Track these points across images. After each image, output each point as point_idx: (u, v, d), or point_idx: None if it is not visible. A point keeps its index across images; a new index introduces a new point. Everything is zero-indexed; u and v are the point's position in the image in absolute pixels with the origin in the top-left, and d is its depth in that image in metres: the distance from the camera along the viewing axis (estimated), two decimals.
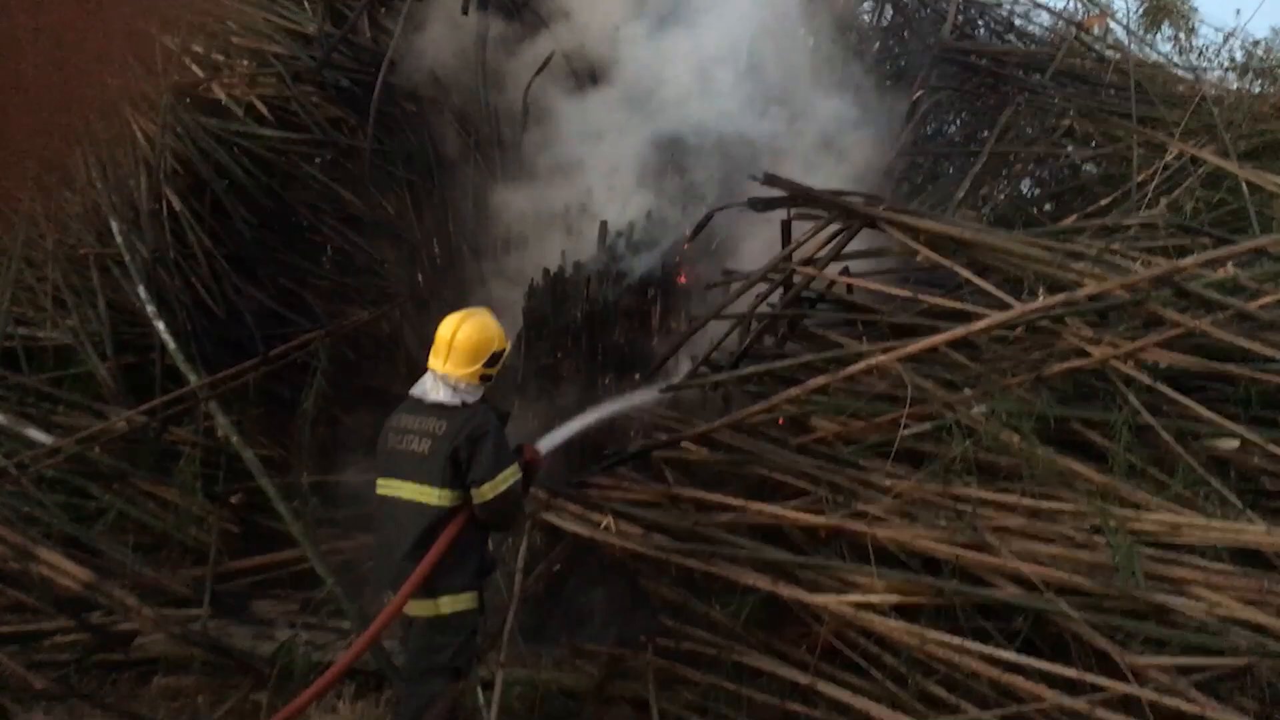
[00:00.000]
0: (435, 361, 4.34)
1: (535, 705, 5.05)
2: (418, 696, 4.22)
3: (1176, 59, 12.66)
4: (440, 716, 4.16)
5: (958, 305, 5.38)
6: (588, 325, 6.45)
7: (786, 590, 4.80)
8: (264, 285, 7.56)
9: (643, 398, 5.76)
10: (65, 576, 5.47)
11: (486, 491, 4.20)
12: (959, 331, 5.10)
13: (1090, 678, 4.05)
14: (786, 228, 5.93)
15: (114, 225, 7.29)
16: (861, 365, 5.15)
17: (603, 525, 5.40)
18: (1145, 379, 5.01)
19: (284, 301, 7.58)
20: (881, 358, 5.13)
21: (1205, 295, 5.04)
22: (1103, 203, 8.82)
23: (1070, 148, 10.16)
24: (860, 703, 4.58)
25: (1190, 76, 11.86)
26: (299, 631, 5.50)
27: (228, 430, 6.23)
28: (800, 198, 5.74)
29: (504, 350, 4.42)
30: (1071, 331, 5.13)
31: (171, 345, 6.69)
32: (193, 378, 6.53)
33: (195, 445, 6.54)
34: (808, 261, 5.82)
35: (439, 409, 4.28)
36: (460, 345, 4.30)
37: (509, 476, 4.25)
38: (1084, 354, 5.08)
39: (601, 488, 5.58)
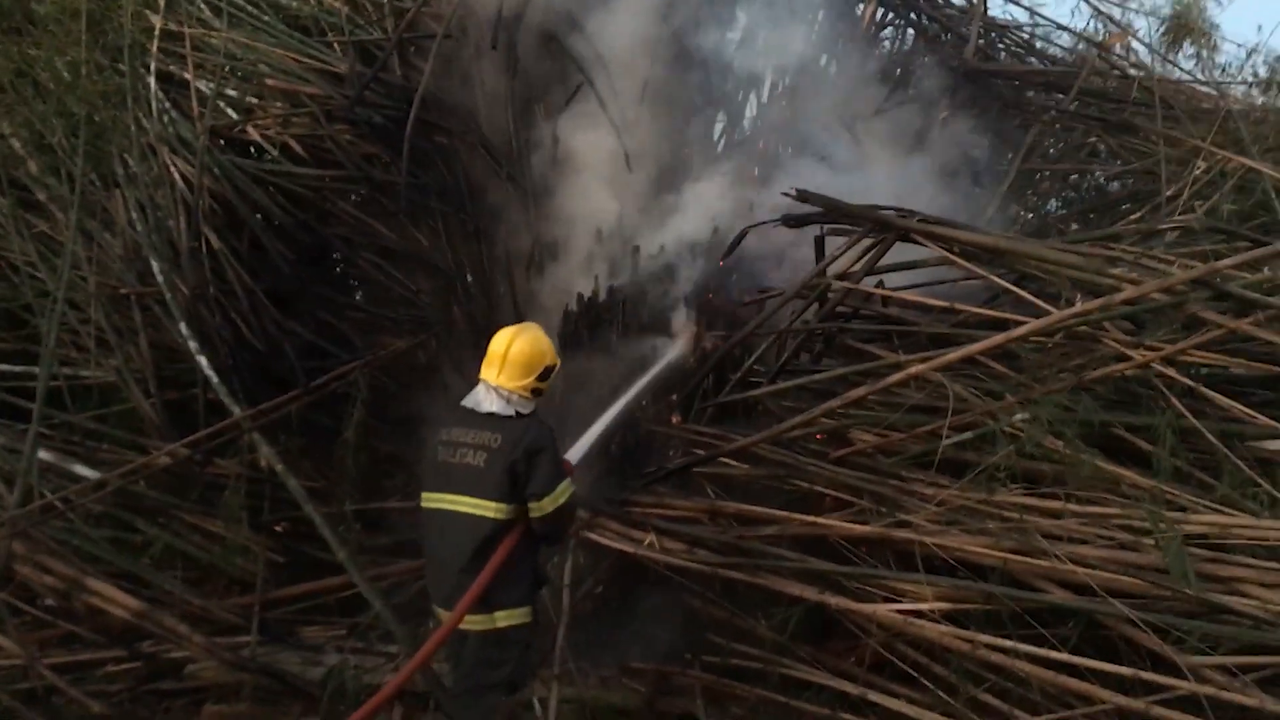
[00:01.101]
0: (489, 373, 4.38)
1: None
2: (473, 711, 4.22)
3: (1199, 75, 12.70)
4: None
5: (995, 315, 5.39)
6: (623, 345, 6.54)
7: (834, 600, 4.79)
8: (303, 319, 7.64)
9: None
10: (116, 606, 5.52)
11: (546, 505, 4.23)
12: (998, 339, 5.11)
13: (1147, 675, 4.02)
14: (820, 244, 5.96)
15: (154, 264, 7.40)
16: (900, 375, 5.17)
17: (645, 542, 5.43)
18: (1186, 381, 5.01)
19: (323, 334, 7.65)
20: (920, 367, 5.14)
21: (1244, 296, 5.02)
22: (1133, 217, 8.81)
23: (1096, 167, 10.22)
24: (912, 711, 4.56)
25: (1214, 92, 11.89)
26: (348, 656, 5.51)
27: (271, 459, 6.28)
28: (833, 212, 5.76)
29: (555, 365, 4.46)
30: (1111, 336, 5.13)
31: (214, 379, 6.77)
32: (235, 409, 6.59)
33: (239, 477, 6.58)
34: (842, 276, 5.85)
35: (492, 420, 4.31)
36: (515, 358, 4.35)
37: (567, 489, 4.28)
38: (1124, 359, 5.07)
39: (643, 506, 5.61)
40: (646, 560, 5.32)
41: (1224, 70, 12.89)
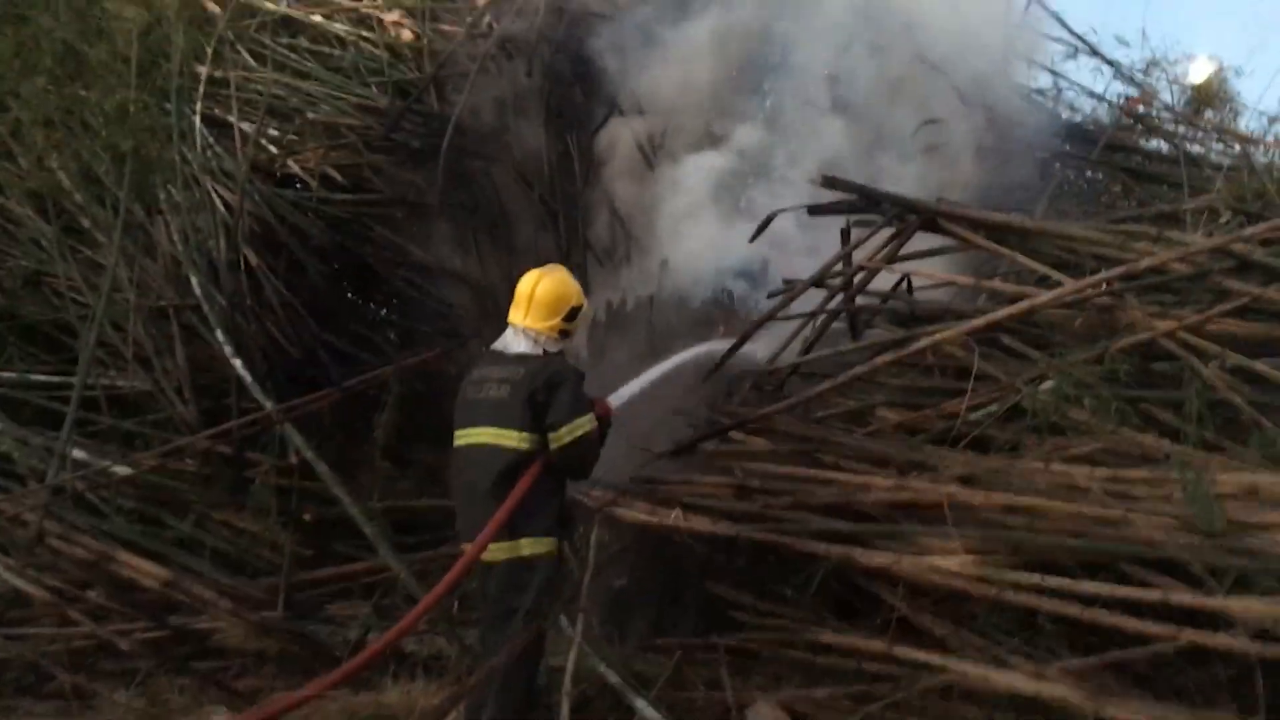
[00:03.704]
0: (516, 315, 4.47)
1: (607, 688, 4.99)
2: (499, 636, 4.20)
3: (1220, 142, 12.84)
4: (522, 654, 4.14)
5: (1020, 289, 5.43)
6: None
7: (861, 555, 4.75)
8: (338, 331, 7.79)
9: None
10: (144, 576, 5.55)
11: (564, 435, 4.27)
12: (1023, 306, 5.15)
13: (1176, 597, 3.95)
14: (846, 234, 6.05)
15: (193, 279, 7.60)
16: (926, 342, 5.20)
17: (673, 517, 5.41)
18: (1214, 348, 5.00)
19: (357, 345, 7.80)
20: (946, 333, 5.17)
21: (1269, 264, 5.05)
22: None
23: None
24: (939, 660, 4.48)
25: (1236, 151, 12.00)
26: (374, 621, 5.50)
27: (302, 448, 6.34)
28: (860, 199, 5.86)
29: (581, 305, 4.54)
30: (1134, 308, 5.15)
31: (248, 379, 6.88)
32: (268, 404, 6.69)
33: (269, 470, 6.65)
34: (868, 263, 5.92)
35: (520, 358, 4.39)
36: (541, 298, 4.44)
37: (585, 423, 4.32)
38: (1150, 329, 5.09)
39: (669, 484, 5.61)
40: (671, 530, 5.29)
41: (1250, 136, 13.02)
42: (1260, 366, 4.97)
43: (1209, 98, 13.55)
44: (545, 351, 4.42)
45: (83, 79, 8.87)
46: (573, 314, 4.50)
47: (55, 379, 7.57)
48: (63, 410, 6.81)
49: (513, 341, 4.47)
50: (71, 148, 8.53)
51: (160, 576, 5.55)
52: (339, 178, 8.44)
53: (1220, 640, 3.92)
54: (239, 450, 6.81)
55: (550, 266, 4.65)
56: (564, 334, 4.50)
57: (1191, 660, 4.23)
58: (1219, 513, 4.31)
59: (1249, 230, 5.11)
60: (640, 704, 4.64)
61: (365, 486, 6.82)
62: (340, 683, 3.94)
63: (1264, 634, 3.88)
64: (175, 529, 6.52)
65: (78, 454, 6.72)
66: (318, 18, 9.65)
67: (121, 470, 6.68)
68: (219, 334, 7.22)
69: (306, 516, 6.57)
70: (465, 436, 4.40)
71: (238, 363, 7.01)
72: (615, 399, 4.86)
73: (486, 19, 9.21)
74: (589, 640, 5.09)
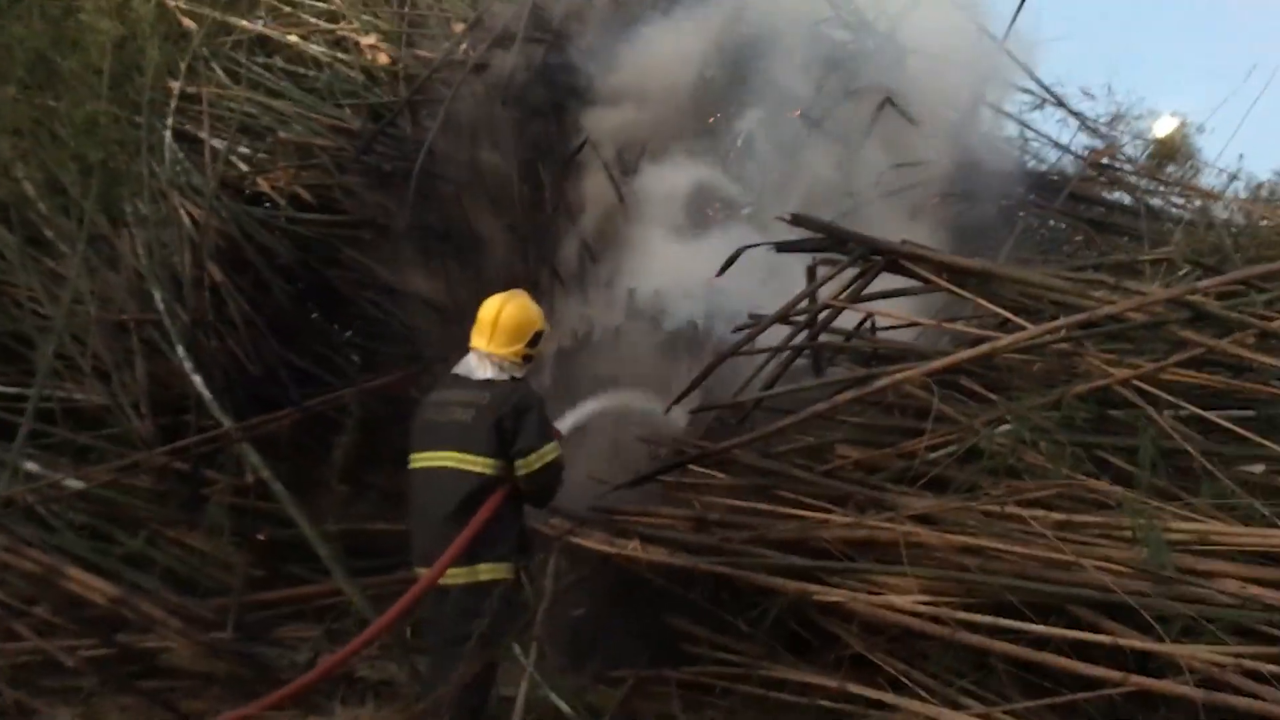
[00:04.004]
0: (479, 341, 4.49)
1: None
2: (451, 663, 4.18)
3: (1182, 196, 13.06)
4: (474, 680, 4.12)
5: (981, 333, 5.49)
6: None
7: (817, 591, 4.76)
8: (300, 351, 7.76)
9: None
10: (92, 592, 5.48)
11: (533, 462, 4.29)
12: (983, 349, 5.20)
13: (1125, 642, 3.99)
14: (812, 272, 6.10)
15: (156, 294, 7.53)
16: (887, 381, 5.25)
17: (630, 548, 5.41)
18: (1168, 398, 5.07)
19: (319, 366, 7.76)
20: (906, 374, 5.22)
21: (1223, 315, 5.13)
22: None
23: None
24: (892, 699, 4.50)
25: (1197, 205, 12.20)
26: (325, 648, 5.45)
27: (259, 468, 6.30)
28: (827, 237, 5.91)
29: (544, 330, 4.56)
30: (1091, 354, 5.23)
31: (207, 396, 6.82)
32: (226, 422, 6.64)
33: (225, 489, 6.59)
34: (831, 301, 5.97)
35: (485, 384, 4.40)
36: (505, 324, 4.46)
37: (554, 449, 4.34)
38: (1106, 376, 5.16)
39: (628, 514, 5.61)
40: (628, 561, 5.29)
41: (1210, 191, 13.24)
42: (1214, 417, 5.05)
43: (1172, 152, 13.82)
44: (511, 378, 4.43)
45: (54, 89, 8.81)
46: (536, 339, 4.53)
47: (10, 390, 7.46)
48: (17, 421, 6.72)
49: (476, 367, 4.49)
50: (39, 157, 8.46)
51: (109, 593, 5.47)
52: (308, 197, 8.43)
53: (1167, 686, 3.97)
54: (195, 467, 6.75)
55: (513, 292, 4.68)
56: (527, 359, 4.52)
57: (1139, 706, 4.28)
58: (1169, 557, 4.37)
59: (1205, 282, 5.20)
60: None
61: (321, 508, 6.75)
62: (285, 702, 3.90)
63: (1209, 682, 3.94)
64: (126, 545, 6.42)
65: (30, 466, 6.64)
66: (294, 38, 9.66)
67: (74, 484, 6.60)
68: (180, 350, 7.16)
69: (261, 537, 6.51)
70: (425, 459, 4.40)
71: (198, 379, 6.96)
72: (563, 424, 4.88)
73: (463, 46, 9.25)
74: (541, 669, 5.07)
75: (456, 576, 4.20)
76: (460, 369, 4.54)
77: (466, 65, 8.76)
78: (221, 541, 6.45)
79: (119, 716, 5.00)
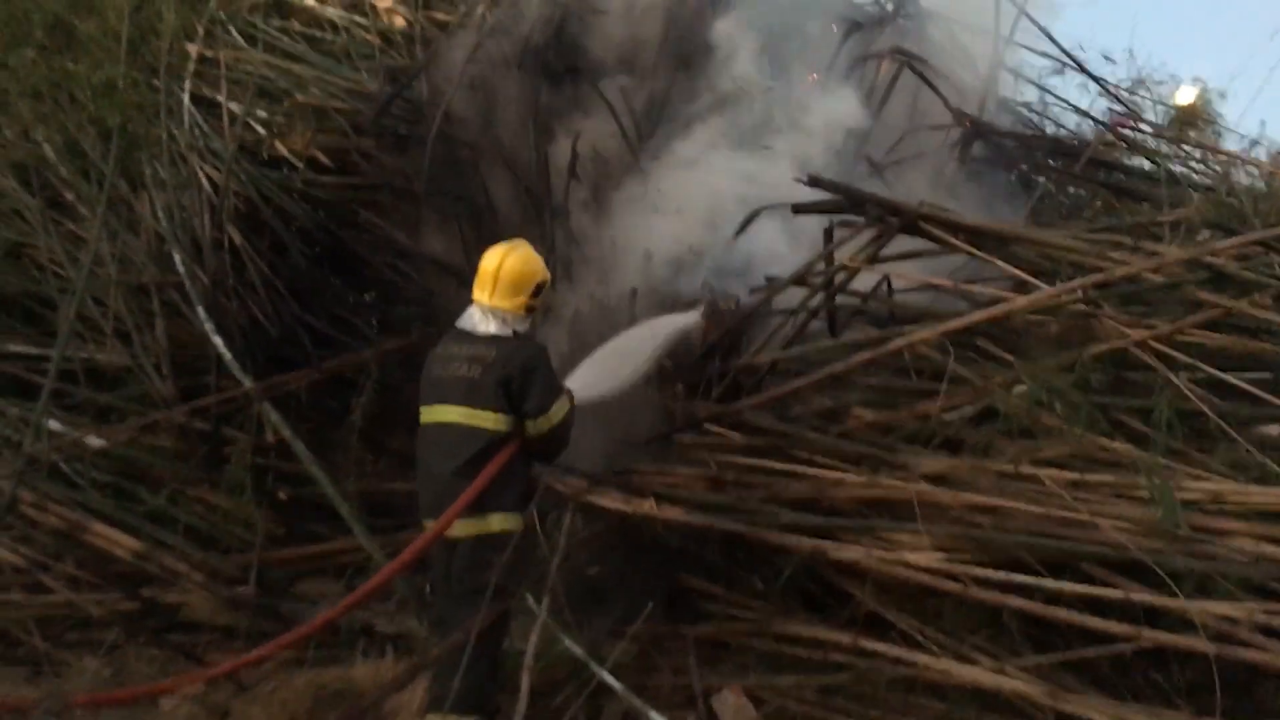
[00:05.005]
0: (480, 294, 4.47)
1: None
2: (465, 612, 4.22)
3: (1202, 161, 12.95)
4: (487, 630, 4.17)
5: (998, 294, 5.49)
6: None
7: (831, 549, 4.80)
8: (318, 313, 7.81)
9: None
10: (117, 546, 5.56)
11: (542, 424, 4.32)
12: (999, 309, 5.22)
13: (1137, 597, 4.02)
14: (829, 235, 6.10)
15: (176, 256, 7.58)
16: (902, 342, 5.26)
17: (646, 506, 5.45)
18: (1185, 359, 5.07)
19: (337, 328, 7.81)
20: (923, 334, 5.23)
21: (1241, 276, 5.12)
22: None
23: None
24: (904, 654, 4.55)
25: (1217, 170, 12.10)
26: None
27: (279, 426, 6.35)
28: (843, 200, 5.91)
29: (546, 281, 4.56)
30: (1108, 315, 5.22)
31: (227, 356, 6.87)
32: (246, 381, 6.69)
33: (245, 448, 6.65)
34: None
35: (491, 339, 4.40)
36: (506, 277, 4.44)
37: (563, 407, 4.36)
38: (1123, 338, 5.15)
39: (644, 474, 5.65)
40: (645, 519, 5.32)
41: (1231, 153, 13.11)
42: (1231, 378, 5.05)
43: (1193, 118, 13.69)
44: (515, 333, 4.43)
45: (72, 52, 8.84)
46: (539, 290, 4.52)
47: (33, 351, 7.54)
48: (40, 382, 6.79)
49: (480, 321, 4.47)
50: (58, 121, 8.50)
51: (133, 548, 5.56)
52: (326, 160, 8.45)
53: (1179, 641, 4.00)
54: (216, 427, 6.81)
55: (514, 242, 4.63)
56: (530, 310, 4.51)
57: (1151, 661, 4.31)
58: (1181, 516, 4.39)
59: (1223, 243, 5.18)
60: (605, 676, 4.63)
61: (340, 468, 6.81)
62: (295, 645, 3.98)
63: (1221, 637, 3.97)
64: (149, 503, 6.50)
65: (53, 425, 6.71)
66: (310, 1, 9.65)
67: (96, 442, 6.67)
68: (200, 311, 7.21)
69: (281, 495, 6.57)
70: (432, 414, 4.42)
71: (218, 340, 7.00)
72: (571, 381, 4.88)
73: (480, 9, 9.22)
74: (556, 624, 5.13)
75: (465, 528, 4.24)
76: (464, 322, 4.52)
77: (483, 28, 8.73)
78: (242, 499, 6.50)
79: (145, 667, 5.07)
